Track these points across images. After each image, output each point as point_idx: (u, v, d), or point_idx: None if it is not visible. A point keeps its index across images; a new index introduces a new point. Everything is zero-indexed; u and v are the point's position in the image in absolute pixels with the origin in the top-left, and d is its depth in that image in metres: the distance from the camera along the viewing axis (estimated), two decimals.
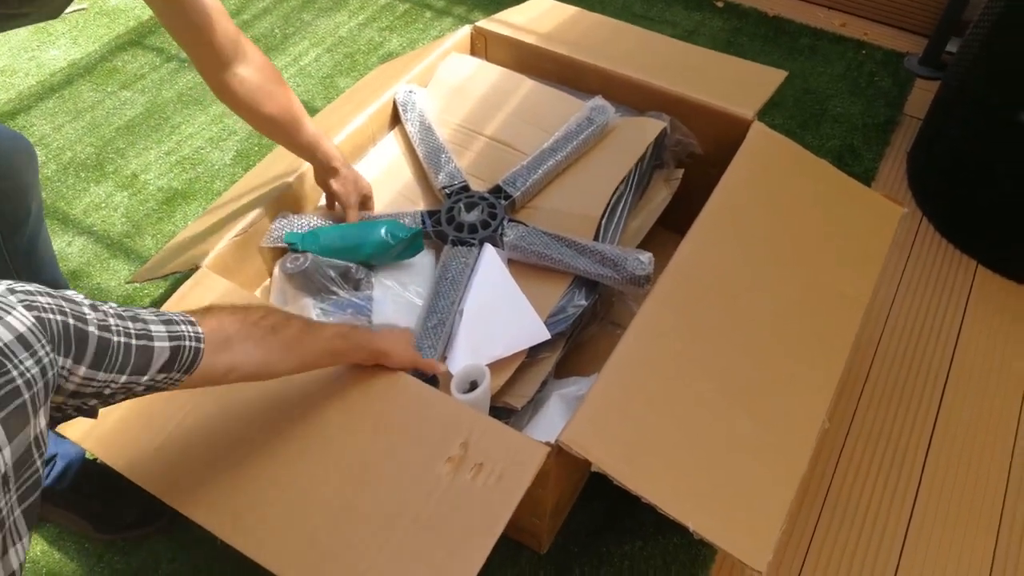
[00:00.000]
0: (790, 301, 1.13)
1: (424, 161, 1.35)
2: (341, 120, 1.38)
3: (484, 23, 1.54)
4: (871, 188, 1.62)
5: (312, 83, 2.10)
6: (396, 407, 0.97)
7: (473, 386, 1.05)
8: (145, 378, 0.70)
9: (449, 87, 1.46)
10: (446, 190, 1.29)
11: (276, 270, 1.22)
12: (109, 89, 2.07)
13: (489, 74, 1.48)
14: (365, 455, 0.93)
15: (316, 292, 1.18)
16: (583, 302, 1.19)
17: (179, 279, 1.08)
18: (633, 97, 1.41)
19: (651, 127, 1.35)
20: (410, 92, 1.44)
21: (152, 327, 0.70)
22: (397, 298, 1.18)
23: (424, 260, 1.25)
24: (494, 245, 1.22)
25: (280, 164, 1.34)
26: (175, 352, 0.72)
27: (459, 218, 1.25)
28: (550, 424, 1.13)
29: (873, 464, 1.38)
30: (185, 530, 1.26)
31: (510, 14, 1.58)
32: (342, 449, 0.93)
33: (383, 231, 1.18)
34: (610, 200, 1.26)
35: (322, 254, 1.19)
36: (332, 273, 1.17)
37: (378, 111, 1.40)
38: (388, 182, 1.36)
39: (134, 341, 0.67)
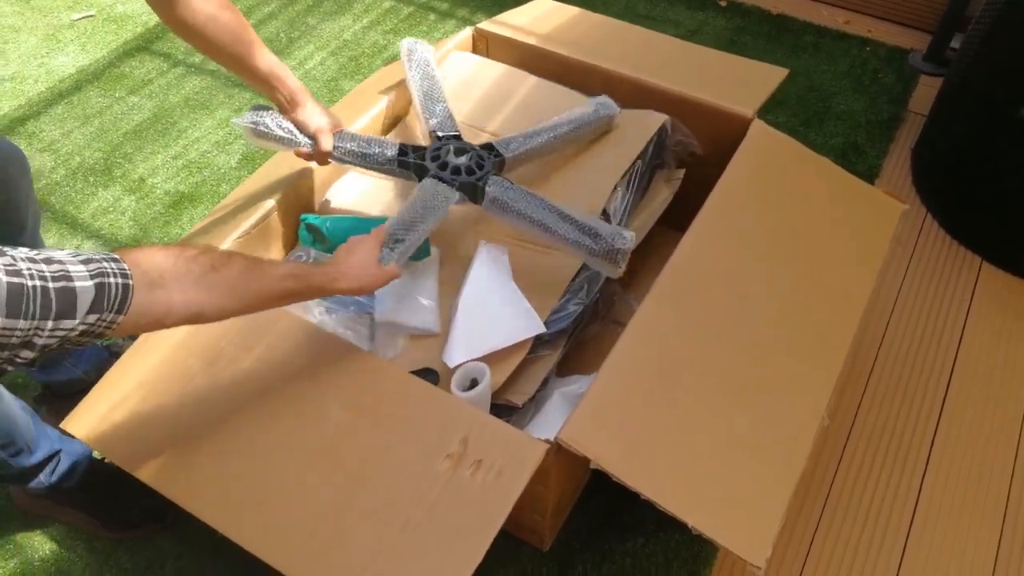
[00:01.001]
0: (790, 298, 1.13)
1: (419, 106, 1.31)
2: (345, 121, 1.39)
3: (485, 24, 1.55)
4: (875, 185, 1.62)
5: (317, 86, 2.12)
6: (396, 404, 0.98)
7: (473, 384, 1.06)
8: (75, 322, 0.66)
9: (452, 84, 1.47)
10: (437, 133, 1.27)
11: None
12: (117, 94, 2.09)
13: (491, 71, 1.49)
14: (365, 451, 0.94)
15: None
16: (584, 300, 1.20)
17: None
18: (633, 97, 1.42)
19: (652, 120, 1.36)
20: (415, 42, 1.42)
21: (70, 267, 0.66)
22: (400, 296, 1.19)
23: (429, 262, 1.26)
24: (476, 194, 1.19)
25: (284, 165, 1.35)
26: (100, 290, 0.67)
27: (445, 158, 1.21)
28: (552, 422, 1.14)
29: (876, 462, 1.38)
30: (190, 527, 1.27)
31: (512, 15, 1.59)
32: (343, 445, 0.94)
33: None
34: (611, 194, 1.27)
35: (330, 250, 1.20)
36: None
37: (381, 112, 1.41)
38: (392, 180, 1.37)
39: (51, 284, 0.64)
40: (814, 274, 1.17)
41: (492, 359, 1.10)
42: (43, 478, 1.20)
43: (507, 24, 1.56)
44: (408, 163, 1.21)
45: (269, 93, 1.17)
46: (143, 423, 1.00)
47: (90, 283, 0.66)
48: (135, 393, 1.03)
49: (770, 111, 1.98)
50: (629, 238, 1.12)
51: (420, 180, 1.19)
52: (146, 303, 0.72)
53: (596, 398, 0.97)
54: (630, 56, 1.47)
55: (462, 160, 1.20)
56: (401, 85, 1.45)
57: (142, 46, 2.25)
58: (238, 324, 1.05)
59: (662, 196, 1.40)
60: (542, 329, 1.13)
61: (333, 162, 1.24)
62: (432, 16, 2.36)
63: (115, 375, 1.05)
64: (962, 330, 1.56)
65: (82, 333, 0.68)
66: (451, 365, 1.09)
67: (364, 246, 1.03)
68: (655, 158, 1.38)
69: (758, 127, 1.31)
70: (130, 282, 0.70)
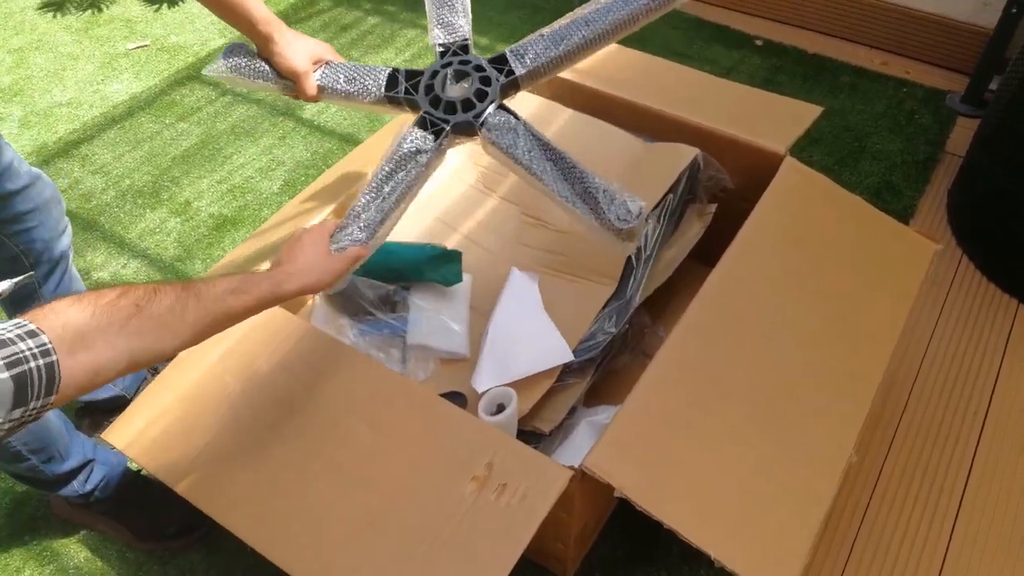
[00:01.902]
0: (819, 334, 1.13)
1: (429, 10, 1.16)
2: (384, 151, 1.43)
3: None
4: (909, 225, 1.61)
5: (359, 116, 2.18)
6: (424, 426, 1.00)
7: (500, 409, 1.07)
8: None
9: None
10: (440, 47, 1.11)
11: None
12: (167, 121, 2.17)
13: (529, 104, 1.52)
14: (393, 471, 0.95)
15: (354, 313, 1.23)
16: (613, 330, 1.21)
17: None
18: (666, 131, 1.44)
19: (684, 154, 1.37)
20: None
21: None
22: (431, 320, 1.21)
23: (461, 287, 1.28)
24: (471, 131, 1.02)
25: (326, 191, 1.39)
26: (21, 381, 0.59)
27: (439, 90, 1.05)
28: (578, 451, 1.15)
29: (908, 500, 1.36)
30: (222, 542, 1.30)
31: None
32: (372, 465, 0.96)
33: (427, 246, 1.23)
34: (642, 228, 1.28)
35: (364, 273, 1.23)
36: (370, 295, 1.21)
37: None
38: (429, 206, 1.40)
39: None
40: (844, 311, 1.17)
41: (520, 386, 1.12)
42: (76, 486, 1.23)
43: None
44: (398, 99, 1.05)
45: (239, 25, 1.06)
46: (180, 436, 1.03)
47: (5, 375, 0.57)
48: (173, 408, 1.06)
49: (804, 149, 1.98)
50: (635, 212, 0.99)
51: (414, 112, 1.05)
52: (71, 372, 0.63)
53: (622, 426, 0.98)
54: (664, 91, 1.50)
55: (458, 91, 1.04)
56: None
57: (192, 75, 2.33)
58: (275, 344, 1.08)
59: (693, 230, 1.41)
60: (570, 357, 1.15)
61: (324, 101, 1.13)
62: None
63: (154, 390, 1.09)
64: (997, 373, 1.54)
65: (9, 431, 0.61)
66: (479, 390, 1.11)
67: (310, 237, 0.96)
68: (687, 192, 1.39)
69: (790, 164, 1.32)
70: (53, 358, 0.62)
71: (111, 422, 1.06)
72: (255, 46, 1.10)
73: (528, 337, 1.16)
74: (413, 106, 1.05)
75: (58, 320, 0.64)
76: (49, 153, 2.07)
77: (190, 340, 0.77)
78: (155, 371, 1.46)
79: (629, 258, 1.27)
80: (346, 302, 1.22)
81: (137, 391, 1.44)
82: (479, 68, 1.06)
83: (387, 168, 1.02)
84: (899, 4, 2.29)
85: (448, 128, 1.02)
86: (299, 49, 1.07)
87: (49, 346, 0.62)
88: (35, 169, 1.18)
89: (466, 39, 1.09)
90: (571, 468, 0.94)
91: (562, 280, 1.29)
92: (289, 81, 1.09)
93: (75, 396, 0.66)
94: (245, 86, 1.11)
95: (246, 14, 1.03)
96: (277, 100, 2.24)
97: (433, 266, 1.24)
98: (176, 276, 1.76)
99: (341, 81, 1.08)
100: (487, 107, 1.02)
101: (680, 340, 1.07)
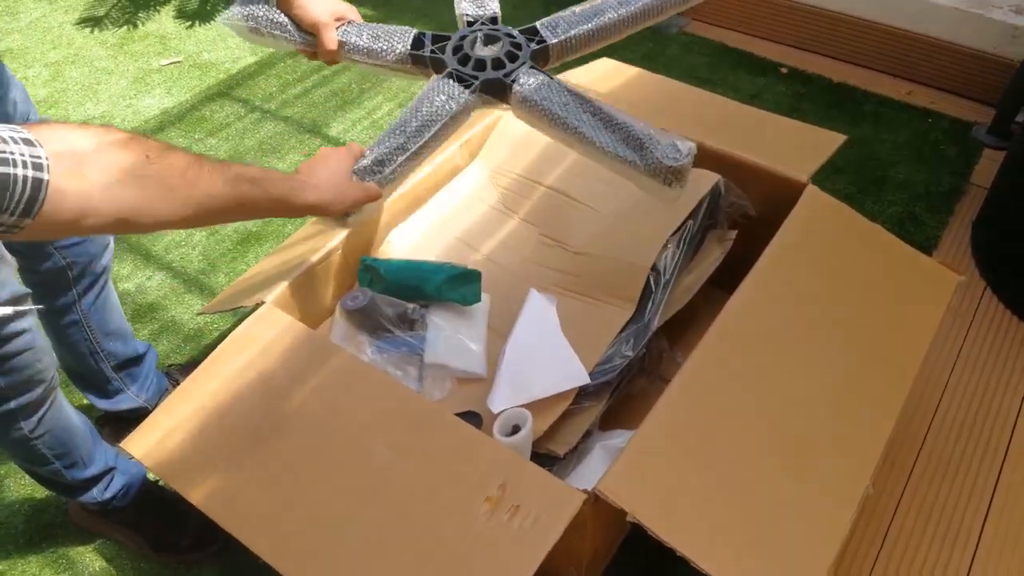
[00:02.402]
0: (838, 363, 1.13)
1: None
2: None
3: None
4: (932, 257, 1.60)
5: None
6: (440, 445, 1.00)
7: (515, 430, 1.08)
8: None
9: (510, 139, 1.52)
10: (468, 18, 1.08)
11: (337, 307, 1.28)
12: (196, 136, 2.21)
13: None
14: (407, 489, 0.96)
15: (373, 330, 1.24)
16: (630, 353, 1.21)
17: (245, 313, 1.15)
18: None
19: (705, 180, 1.38)
20: None
21: None
22: (449, 339, 1.22)
23: (479, 307, 1.29)
24: (501, 90, 0.98)
25: None
26: (3, 183, 0.52)
27: (468, 49, 1.01)
28: (592, 474, 1.14)
29: (925, 535, 1.34)
30: (237, 557, 1.31)
31: (574, 74, 1.64)
32: (386, 482, 0.97)
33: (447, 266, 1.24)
34: (661, 252, 1.29)
35: (387, 291, 1.25)
36: (389, 312, 1.23)
37: (443, 162, 1.47)
38: (450, 225, 1.42)
39: None
40: (864, 341, 1.16)
41: (535, 407, 1.12)
42: (95, 493, 1.25)
43: (569, 83, 1.60)
44: (423, 58, 1.01)
45: None
46: (198, 448, 1.04)
47: None
48: (193, 418, 1.07)
49: (828, 177, 1.98)
50: (685, 152, 0.95)
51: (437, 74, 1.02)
52: (58, 199, 0.56)
53: (637, 451, 0.98)
54: (687, 116, 1.50)
55: (490, 51, 1.00)
56: (461, 136, 1.50)
57: (223, 91, 2.38)
58: (295, 358, 1.09)
59: (713, 255, 1.42)
60: (586, 380, 1.15)
61: (343, 60, 1.07)
62: None
63: (175, 400, 1.10)
64: (1019, 409, 1.52)
65: None
66: (495, 410, 1.11)
67: (335, 156, 0.92)
68: (708, 218, 1.39)
69: (811, 192, 1.32)
70: (44, 177, 0.54)
71: (131, 431, 1.08)
72: (275, 2, 1.06)
73: (545, 359, 1.16)
74: (439, 66, 1.01)
75: (60, 141, 0.57)
76: None
77: (191, 217, 0.69)
78: (176, 382, 1.49)
79: (648, 282, 1.27)
80: (365, 319, 1.23)
81: (158, 402, 1.46)
82: (509, 35, 1.03)
83: (412, 116, 0.98)
84: (925, 34, 2.29)
85: (477, 83, 0.97)
86: (321, 2, 1.04)
87: (44, 162, 0.54)
88: None
89: (495, 13, 1.06)
90: (584, 492, 0.94)
91: (580, 302, 1.29)
92: (308, 35, 1.04)
93: (50, 234, 0.58)
94: (259, 41, 1.06)
95: None
96: (304, 117, 2.27)
97: (452, 285, 1.25)
98: (200, 290, 1.78)
99: (364, 37, 1.04)
100: (518, 66, 0.99)
101: (697, 366, 1.07)
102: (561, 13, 1.05)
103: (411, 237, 1.39)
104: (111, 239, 1.28)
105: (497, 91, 1.00)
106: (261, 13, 1.03)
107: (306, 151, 2.15)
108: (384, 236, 1.37)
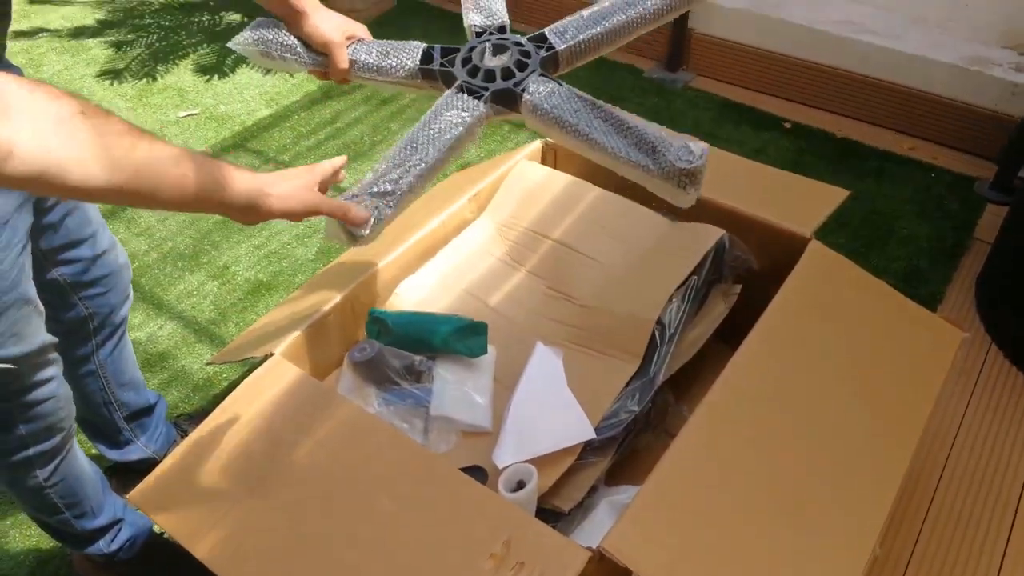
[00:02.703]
0: (842, 420, 1.13)
1: None
2: (416, 223, 1.47)
3: None
4: (937, 312, 1.61)
5: None
6: (444, 500, 1.00)
7: (520, 485, 1.08)
8: None
9: (519, 192, 1.55)
10: (476, 28, 1.08)
11: (345, 359, 1.29)
12: None
13: (558, 181, 1.57)
14: (411, 544, 0.96)
15: (380, 382, 1.25)
16: (635, 408, 1.22)
17: (255, 364, 1.16)
18: (692, 210, 1.46)
19: (710, 233, 1.39)
20: None
21: None
22: (455, 392, 1.23)
23: (486, 359, 1.30)
24: (511, 100, 0.99)
25: (359, 260, 1.43)
26: None
27: (477, 60, 1.02)
28: (598, 531, 1.14)
29: None
30: None
31: None
32: (390, 536, 0.97)
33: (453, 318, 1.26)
34: (666, 306, 1.30)
35: (394, 343, 1.26)
36: (396, 364, 1.24)
37: (452, 215, 1.49)
38: (457, 278, 1.43)
39: None
40: (869, 397, 1.17)
41: (540, 462, 1.12)
42: (102, 545, 1.25)
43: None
44: (433, 72, 1.02)
45: (270, 2, 1.04)
46: (203, 501, 1.05)
47: None
48: (199, 471, 1.08)
49: (831, 232, 2.00)
50: (698, 153, 0.94)
51: (448, 88, 1.02)
52: None
53: (643, 507, 0.98)
54: None
55: (499, 60, 1.01)
56: (473, 187, 1.53)
57: (238, 143, 2.43)
58: (302, 410, 1.10)
59: (718, 310, 1.43)
60: (592, 435, 1.15)
61: (354, 80, 1.08)
62: (506, 127, 2.49)
63: (182, 452, 1.11)
64: None
65: None
66: (500, 466, 1.11)
67: (304, 170, 0.88)
68: (712, 272, 1.41)
69: (815, 248, 1.34)
70: None
71: (139, 482, 1.08)
72: (286, 23, 1.07)
73: (551, 413, 1.17)
74: (448, 79, 1.02)
75: None
76: None
77: (124, 186, 0.63)
78: (184, 432, 1.50)
79: (653, 336, 1.28)
80: (372, 371, 1.24)
81: (167, 453, 1.46)
82: (518, 44, 1.03)
83: (422, 130, 0.98)
84: (926, 91, 2.33)
85: (487, 94, 0.98)
86: (332, 22, 1.05)
87: None
88: (112, 236, 1.24)
89: (503, 22, 1.07)
90: (589, 549, 0.93)
91: (586, 355, 1.30)
92: (319, 55, 1.06)
93: None
94: (271, 64, 1.07)
95: None
96: None
97: (459, 337, 1.27)
98: (210, 339, 1.80)
99: (374, 54, 1.06)
100: (528, 75, 1.00)
101: (703, 421, 1.08)
102: (569, 18, 1.05)
103: (419, 289, 1.41)
104: (130, 291, 1.30)
105: (508, 101, 1.01)
106: (271, 36, 1.05)
107: None
108: (392, 288, 1.39)
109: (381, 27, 2.88)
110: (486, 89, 0.99)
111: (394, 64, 1.04)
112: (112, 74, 2.75)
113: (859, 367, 1.21)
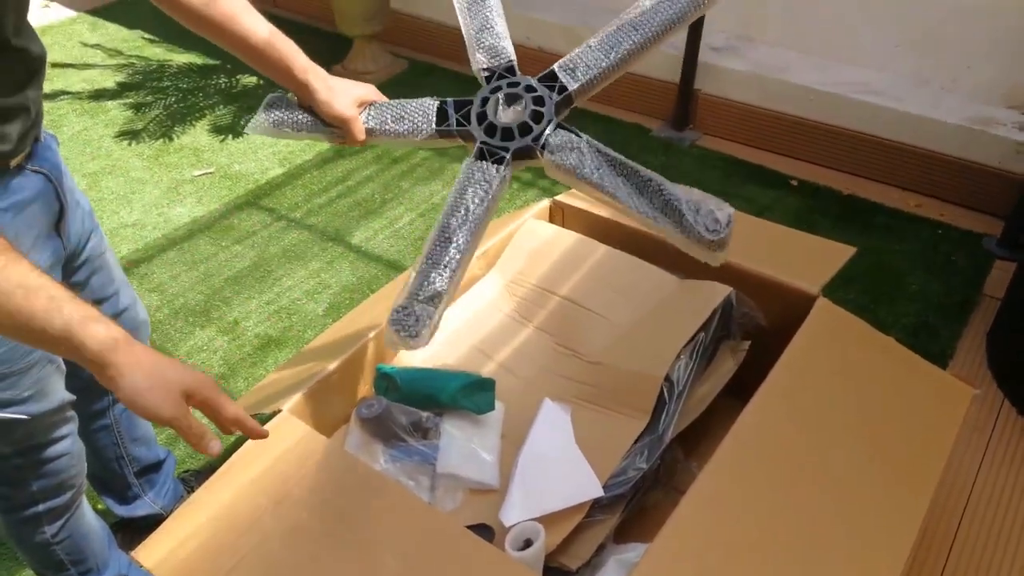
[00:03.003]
0: (853, 478, 1.12)
1: (465, 32, 1.10)
2: None
3: (563, 197, 1.66)
4: (948, 367, 1.60)
5: (404, 244, 2.27)
6: (450, 559, 0.99)
7: (527, 543, 1.06)
8: None
9: (527, 250, 1.56)
10: (485, 72, 1.07)
11: (352, 415, 1.29)
12: (224, 243, 2.29)
13: (566, 239, 1.58)
14: None
15: (387, 439, 1.25)
16: (644, 466, 1.21)
17: (262, 419, 1.16)
18: (700, 269, 1.47)
19: (717, 291, 1.40)
20: None
21: None
22: (462, 449, 1.22)
23: (493, 416, 1.30)
24: (532, 155, 0.99)
25: (365, 317, 1.45)
26: None
27: (492, 117, 1.02)
28: None
29: None
30: None
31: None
32: None
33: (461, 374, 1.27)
34: (674, 363, 1.30)
35: (402, 400, 1.26)
36: (404, 420, 1.24)
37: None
38: (466, 334, 1.44)
39: None
40: (879, 456, 1.16)
41: (548, 519, 1.11)
42: None
43: (584, 197, 1.66)
44: (451, 132, 1.03)
45: (278, 77, 1.05)
46: (208, 559, 1.04)
47: None
48: (205, 528, 1.07)
49: (840, 287, 2.00)
50: (724, 222, 0.93)
51: (470, 142, 1.03)
52: None
53: (651, 566, 0.96)
54: None
55: (513, 115, 1.01)
56: (481, 245, 1.55)
57: (251, 201, 2.47)
58: (308, 466, 1.10)
59: (727, 366, 1.42)
60: (600, 493, 1.14)
61: (372, 143, 1.09)
62: (515, 185, 2.53)
63: (188, 509, 1.11)
64: None
65: None
66: (507, 524, 1.10)
67: (177, 374, 0.76)
68: (720, 329, 1.41)
69: (822, 305, 1.34)
70: None
71: (144, 539, 1.08)
72: (296, 96, 1.09)
73: (559, 470, 1.16)
74: (467, 137, 1.03)
75: None
76: None
77: None
78: (191, 488, 1.49)
79: (661, 392, 1.28)
80: (379, 427, 1.24)
81: (174, 509, 1.46)
82: (530, 88, 1.03)
83: (452, 215, 0.98)
84: (931, 149, 2.36)
85: (508, 156, 1.00)
86: (343, 94, 1.06)
87: None
88: (133, 293, 1.26)
89: (511, 60, 1.06)
90: None
91: (594, 412, 1.30)
92: (335, 128, 1.07)
93: None
94: (289, 138, 1.10)
95: (286, 65, 1.03)
96: (328, 226, 2.35)
97: (467, 393, 1.27)
98: None
99: (389, 121, 1.07)
100: (545, 128, 1.00)
101: (712, 478, 1.07)
102: (578, 50, 1.03)
103: (428, 345, 1.41)
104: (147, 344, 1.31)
105: (529, 154, 1.01)
106: (285, 116, 1.06)
107: (328, 258, 2.22)
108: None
109: (393, 88, 2.95)
110: (506, 149, 1.00)
111: (411, 128, 1.06)
112: (130, 135, 2.82)
113: (869, 424, 1.20)
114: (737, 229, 1.57)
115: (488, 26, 1.07)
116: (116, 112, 2.95)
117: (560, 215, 1.68)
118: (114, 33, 3.52)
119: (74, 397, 1.08)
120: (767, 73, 2.57)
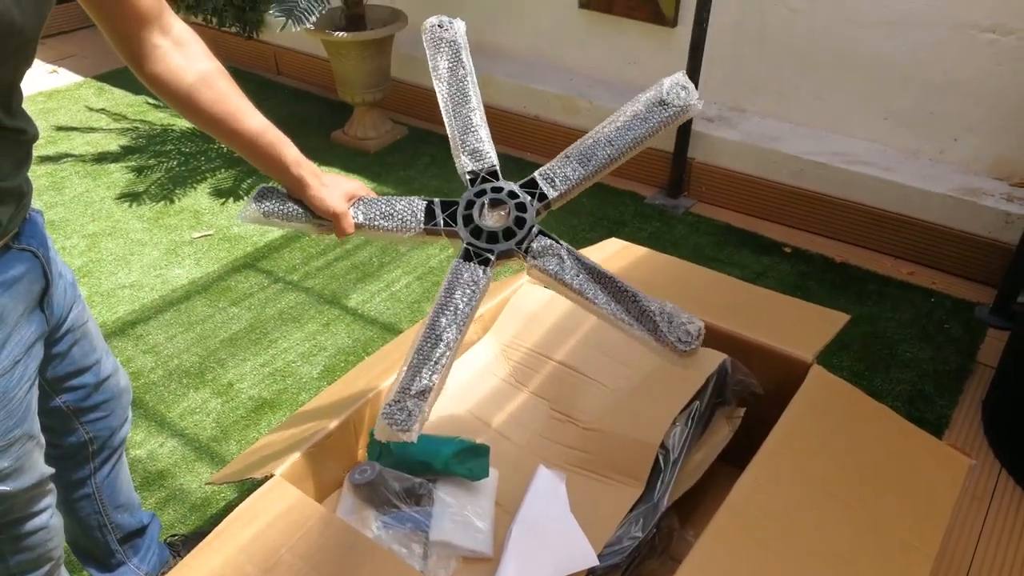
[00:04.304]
0: (850, 547, 1.10)
1: (450, 132, 1.15)
2: None
3: None
4: (945, 436, 1.59)
5: (401, 307, 2.28)
6: None
7: None
8: None
9: (523, 314, 1.57)
10: (470, 175, 1.13)
11: (345, 481, 1.28)
12: (220, 305, 2.29)
13: (561, 304, 1.59)
14: None
15: (380, 505, 1.23)
16: (639, 534, 1.19)
17: (254, 484, 1.15)
18: None
19: (712, 358, 1.40)
20: (440, 27, 1.19)
21: None
22: (455, 517, 1.21)
23: (488, 483, 1.29)
24: (514, 256, 1.07)
25: (360, 381, 1.44)
26: None
27: (478, 220, 1.09)
28: None
29: None
30: None
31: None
32: None
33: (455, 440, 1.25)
34: (669, 430, 1.29)
35: (395, 465, 1.25)
36: (397, 486, 1.22)
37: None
38: (461, 398, 1.44)
39: None
40: (876, 527, 1.14)
41: None
42: None
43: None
44: (438, 231, 1.10)
45: (271, 170, 1.08)
46: None
47: None
48: None
49: (834, 355, 2.01)
50: (695, 334, 1.02)
51: (455, 240, 1.09)
52: None
53: None
54: (694, 296, 1.56)
55: (496, 220, 1.09)
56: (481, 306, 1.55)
57: (249, 263, 2.49)
58: (299, 533, 1.08)
59: (722, 433, 1.42)
60: (595, 562, 1.12)
61: (361, 235, 1.13)
62: None
63: None
64: None
65: None
66: None
67: None
68: (715, 396, 1.41)
69: (817, 372, 1.35)
70: None
71: None
72: (286, 188, 1.11)
73: (553, 539, 1.15)
74: (452, 235, 1.10)
75: None
76: (107, 332, 2.18)
77: None
78: (178, 554, 1.46)
79: (657, 460, 1.27)
80: (372, 493, 1.23)
81: (160, 575, 1.43)
82: (512, 195, 1.10)
83: (440, 314, 1.03)
84: (921, 218, 2.39)
85: (494, 259, 1.06)
86: (334, 188, 1.09)
87: None
88: (115, 360, 1.26)
89: (494, 164, 1.13)
90: None
91: (589, 479, 1.29)
92: (324, 221, 1.11)
93: None
94: (277, 227, 1.14)
95: (278, 157, 1.05)
96: (325, 289, 2.36)
97: (461, 460, 1.26)
98: (211, 457, 1.79)
99: (378, 217, 1.12)
100: (528, 234, 1.08)
101: (708, 547, 1.05)
102: (556, 161, 1.11)
103: None
104: (130, 413, 1.31)
105: (511, 256, 1.08)
106: (275, 208, 1.10)
107: (324, 320, 2.22)
108: None
109: (392, 154, 3.00)
110: (491, 252, 1.07)
111: (398, 225, 1.11)
112: (131, 197, 2.85)
113: (867, 494, 1.19)
114: (731, 295, 1.59)
115: (472, 130, 1.14)
116: (118, 175, 2.99)
117: None
118: (119, 98, 3.59)
119: (53, 471, 1.07)
120: (759, 143, 2.63)
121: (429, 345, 1.02)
